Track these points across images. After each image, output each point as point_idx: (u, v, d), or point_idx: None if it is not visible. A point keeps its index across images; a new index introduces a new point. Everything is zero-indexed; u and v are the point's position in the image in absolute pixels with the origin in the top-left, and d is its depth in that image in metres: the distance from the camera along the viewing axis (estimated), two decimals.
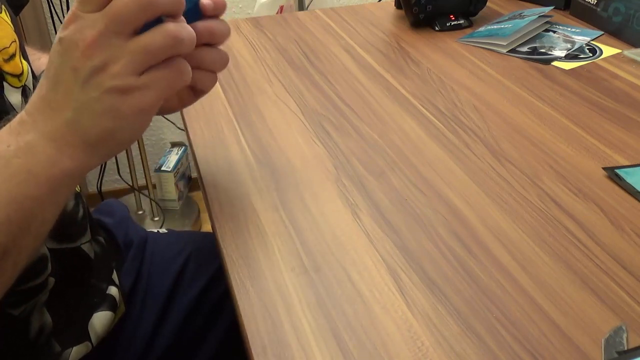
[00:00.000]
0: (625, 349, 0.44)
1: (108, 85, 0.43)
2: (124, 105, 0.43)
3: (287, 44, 0.98)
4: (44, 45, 1.74)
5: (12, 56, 0.55)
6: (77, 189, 0.65)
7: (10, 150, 0.43)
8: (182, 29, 0.44)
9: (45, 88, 0.45)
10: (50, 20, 1.73)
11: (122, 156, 1.96)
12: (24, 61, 0.58)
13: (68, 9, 1.72)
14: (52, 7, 1.71)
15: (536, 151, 0.69)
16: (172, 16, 0.45)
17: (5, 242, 0.43)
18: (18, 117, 0.45)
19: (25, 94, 0.57)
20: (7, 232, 0.43)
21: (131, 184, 1.94)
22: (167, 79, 0.44)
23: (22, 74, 0.57)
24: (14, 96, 0.55)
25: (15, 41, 0.56)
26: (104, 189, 1.97)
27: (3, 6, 0.57)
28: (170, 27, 0.43)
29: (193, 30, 0.45)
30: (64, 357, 0.59)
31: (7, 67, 0.55)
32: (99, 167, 1.91)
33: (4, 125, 0.45)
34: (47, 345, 0.58)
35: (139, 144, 1.91)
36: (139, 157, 1.93)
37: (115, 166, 1.99)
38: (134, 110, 0.44)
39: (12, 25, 0.57)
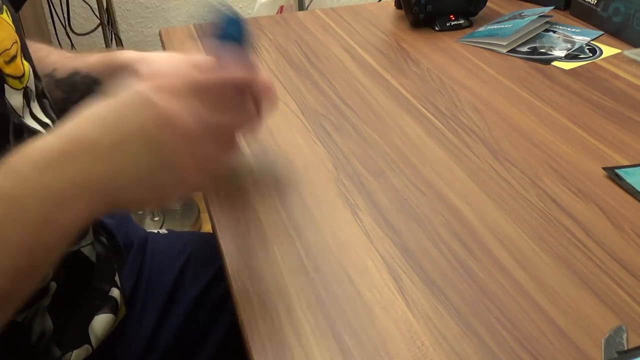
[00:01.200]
0: (625, 349, 0.45)
1: (171, 162, 0.43)
2: (169, 183, 0.44)
3: (287, 44, 0.98)
4: None
5: (14, 58, 0.54)
6: None
7: (30, 187, 0.40)
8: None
9: (97, 130, 0.43)
10: (50, 20, 1.73)
11: None
12: (25, 62, 0.57)
13: (68, 9, 1.72)
14: (52, 7, 1.71)
15: (536, 151, 0.69)
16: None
17: (10, 289, 0.41)
18: (58, 145, 0.41)
19: (27, 96, 0.56)
20: (13, 279, 0.41)
21: None
22: (214, 168, 0.48)
23: (23, 75, 0.56)
24: (15, 98, 0.54)
25: (16, 42, 0.56)
26: None
27: (4, 6, 0.56)
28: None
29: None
30: None
31: (8, 69, 0.54)
32: None
33: (39, 148, 0.42)
34: (47, 350, 0.58)
35: None
36: None
37: None
38: (174, 189, 0.45)
39: (13, 26, 0.57)
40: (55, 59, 0.69)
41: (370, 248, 0.55)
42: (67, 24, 1.75)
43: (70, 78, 0.69)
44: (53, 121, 0.60)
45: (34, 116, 0.57)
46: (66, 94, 0.63)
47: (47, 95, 0.61)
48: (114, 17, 1.77)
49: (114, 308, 0.65)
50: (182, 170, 0.45)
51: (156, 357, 0.71)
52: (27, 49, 0.59)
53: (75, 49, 1.84)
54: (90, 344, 0.61)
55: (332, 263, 0.53)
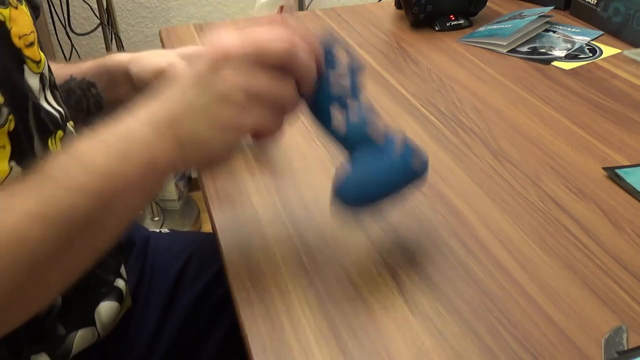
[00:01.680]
0: (625, 349, 0.45)
1: (221, 92, 0.47)
2: (224, 116, 0.47)
3: None
4: (45, 45, 1.74)
5: (32, 43, 0.58)
6: None
7: (116, 133, 0.47)
8: (305, 81, 0.49)
9: (163, 87, 0.49)
10: (50, 20, 1.73)
11: None
12: (41, 52, 0.61)
13: (68, 9, 1.72)
14: (52, 7, 1.71)
15: (536, 151, 0.69)
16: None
17: (91, 212, 0.45)
18: (125, 118, 0.48)
19: (43, 81, 0.60)
20: (95, 203, 0.45)
21: None
22: (267, 119, 0.48)
23: (40, 61, 0.60)
24: (32, 80, 0.58)
25: (34, 32, 0.59)
26: None
27: (24, 2, 0.60)
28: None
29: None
30: (68, 341, 0.59)
31: (28, 52, 0.57)
32: None
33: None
34: (53, 327, 0.58)
35: None
36: None
37: None
38: (230, 124, 0.47)
39: (31, 18, 0.60)
40: (53, 68, 0.71)
41: (370, 248, 0.55)
42: (67, 24, 1.75)
43: (66, 84, 0.72)
44: (64, 111, 0.63)
45: (47, 102, 0.60)
46: (64, 99, 0.65)
47: (58, 88, 0.64)
48: (114, 17, 1.77)
49: (119, 297, 0.65)
50: (229, 94, 0.47)
51: (158, 356, 0.71)
52: (42, 44, 0.61)
53: (75, 49, 1.84)
54: (95, 327, 0.62)
55: (332, 263, 0.53)
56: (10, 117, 0.52)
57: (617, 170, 0.64)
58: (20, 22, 0.58)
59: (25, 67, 0.57)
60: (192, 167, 0.50)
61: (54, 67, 0.72)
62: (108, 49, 1.79)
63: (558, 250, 0.54)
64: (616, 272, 0.52)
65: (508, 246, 0.55)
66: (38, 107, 0.58)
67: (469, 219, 0.58)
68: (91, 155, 0.46)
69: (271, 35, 0.48)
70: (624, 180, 0.63)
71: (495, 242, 0.55)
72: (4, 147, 0.52)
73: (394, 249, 0.55)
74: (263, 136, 0.50)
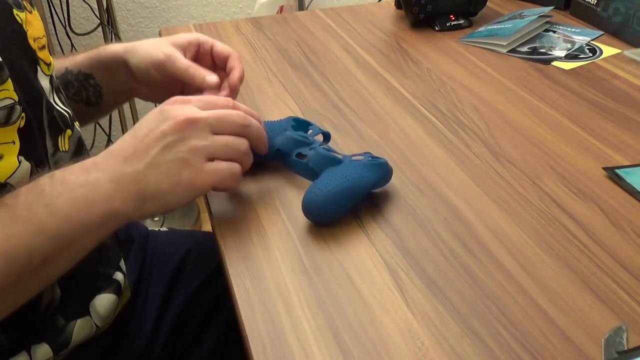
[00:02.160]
0: (625, 349, 0.45)
1: (183, 155, 0.53)
2: (185, 176, 0.53)
3: (287, 44, 0.98)
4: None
5: (44, 47, 0.62)
6: None
7: (79, 180, 0.52)
8: (260, 141, 0.59)
9: (127, 143, 0.54)
10: (50, 20, 1.73)
11: None
12: (50, 56, 0.63)
13: (68, 9, 1.72)
14: (52, 7, 1.71)
15: (536, 151, 0.69)
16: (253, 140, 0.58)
17: (48, 252, 0.50)
18: (91, 159, 0.54)
19: (52, 82, 0.62)
20: (53, 244, 0.50)
21: None
22: (223, 175, 0.55)
23: (50, 64, 0.62)
24: (44, 81, 0.61)
25: (45, 36, 0.63)
26: None
27: (35, 7, 0.63)
28: (246, 142, 0.57)
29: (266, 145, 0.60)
30: (67, 331, 0.60)
31: (41, 54, 0.61)
32: None
33: (76, 163, 0.54)
34: (53, 319, 0.59)
35: None
36: None
37: None
38: (189, 183, 0.53)
39: (42, 23, 0.63)
40: (83, 56, 0.75)
41: (370, 248, 0.55)
42: (67, 24, 1.75)
43: (63, 76, 0.74)
44: (70, 112, 0.64)
45: (55, 102, 0.62)
46: (62, 90, 0.66)
47: (62, 90, 0.66)
48: (114, 17, 1.77)
49: (117, 290, 0.66)
50: (192, 164, 0.53)
51: (157, 349, 0.71)
52: (53, 48, 0.64)
53: (75, 49, 1.84)
54: (91, 317, 0.62)
55: (332, 263, 0.53)
56: (22, 114, 0.54)
57: (617, 170, 0.64)
58: (35, 26, 0.60)
59: (39, 68, 0.60)
60: (148, 216, 0.55)
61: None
62: None
63: (558, 250, 0.54)
64: (616, 272, 0.52)
65: (508, 246, 0.55)
66: (50, 106, 0.60)
67: (469, 219, 0.58)
68: (55, 198, 0.50)
69: (229, 107, 0.57)
70: (624, 180, 0.63)
71: (495, 242, 0.55)
72: (13, 142, 0.54)
73: (394, 249, 0.55)
74: (222, 189, 0.58)
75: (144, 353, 0.71)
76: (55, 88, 0.63)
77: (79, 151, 0.64)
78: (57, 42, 1.80)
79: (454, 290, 0.50)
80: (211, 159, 0.54)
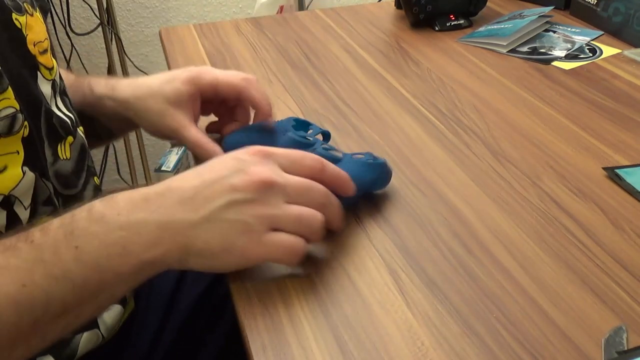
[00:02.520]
0: (625, 349, 0.44)
1: (246, 218, 0.46)
2: (240, 242, 0.46)
3: (287, 44, 0.98)
4: None
5: (45, 50, 0.59)
6: (96, 181, 0.66)
7: (120, 220, 0.45)
8: (336, 220, 0.51)
9: (189, 183, 0.48)
10: (51, 20, 1.73)
11: (122, 156, 1.96)
12: (53, 59, 0.61)
13: (68, 9, 1.72)
14: (52, 7, 1.71)
15: (536, 151, 0.69)
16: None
17: (69, 302, 0.44)
18: (144, 191, 0.47)
19: (54, 87, 0.60)
20: (77, 294, 0.44)
21: (131, 184, 1.94)
22: (284, 251, 0.48)
23: (52, 68, 0.60)
24: (45, 87, 0.58)
25: (47, 39, 0.60)
26: (104, 188, 1.96)
27: (38, 8, 0.61)
28: (322, 218, 0.49)
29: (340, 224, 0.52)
30: (74, 343, 0.60)
31: (42, 59, 0.58)
32: (99, 166, 1.91)
33: (126, 192, 0.47)
34: None
35: (138, 144, 1.92)
36: (139, 157, 1.93)
37: (115, 166, 1.99)
38: (242, 251, 0.47)
39: (45, 25, 0.61)
40: (111, 83, 0.71)
41: (370, 248, 0.55)
42: (67, 23, 1.75)
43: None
44: (74, 117, 0.63)
45: (58, 108, 0.61)
46: None
47: (67, 94, 0.64)
48: (114, 17, 1.77)
49: (122, 301, 0.65)
50: (253, 231, 0.47)
51: (160, 356, 0.71)
52: (54, 51, 0.62)
53: (75, 49, 1.84)
54: (99, 329, 0.62)
55: (332, 263, 0.53)
56: (25, 123, 0.53)
57: (617, 170, 0.64)
58: (36, 29, 0.58)
59: (39, 74, 0.58)
60: (188, 269, 0.49)
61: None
62: (108, 49, 1.79)
63: (558, 250, 0.54)
64: (616, 272, 0.52)
65: (508, 246, 0.55)
66: (50, 113, 0.58)
67: (469, 219, 0.58)
68: (87, 240, 0.44)
69: (316, 172, 0.51)
70: (624, 180, 0.63)
71: (495, 242, 0.55)
72: (17, 152, 0.52)
73: (394, 248, 0.55)
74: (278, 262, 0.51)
75: (148, 358, 0.71)
76: (60, 91, 0.62)
77: (82, 158, 0.63)
78: (57, 42, 1.80)
79: (454, 290, 0.50)
80: (276, 229, 0.48)
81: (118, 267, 0.45)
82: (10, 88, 0.51)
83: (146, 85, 0.66)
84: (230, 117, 0.69)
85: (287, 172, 0.50)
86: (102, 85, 0.69)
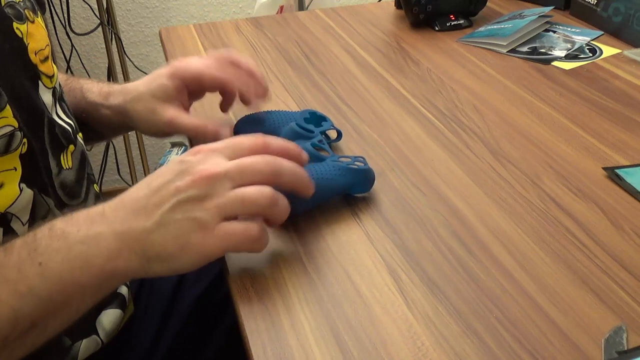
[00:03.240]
0: (625, 349, 0.45)
1: (194, 215, 0.46)
2: (194, 239, 0.47)
3: (287, 44, 0.98)
4: None
5: (46, 58, 0.59)
6: (95, 188, 0.66)
7: (79, 235, 0.46)
8: (280, 197, 0.49)
9: (140, 193, 0.48)
10: (51, 20, 1.73)
11: (122, 156, 1.96)
12: (53, 65, 0.61)
13: (68, 9, 1.72)
14: (52, 7, 1.71)
15: (536, 151, 0.69)
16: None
17: (36, 317, 0.45)
18: (100, 207, 0.48)
19: (55, 95, 0.60)
20: (43, 308, 0.45)
21: (131, 184, 1.94)
22: (239, 237, 0.48)
23: (53, 75, 0.60)
24: (46, 95, 0.58)
25: (48, 45, 0.60)
26: (104, 188, 1.97)
27: (39, 12, 0.61)
28: (270, 191, 0.48)
29: (287, 202, 0.50)
30: (73, 351, 0.60)
31: (43, 68, 0.58)
32: (99, 166, 1.91)
33: (84, 210, 0.49)
34: (58, 340, 0.59)
35: (139, 144, 1.92)
36: (139, 157, 1.93)
37: (115, 166, 1.99)
38: (197, 248, 0.47)
39: (46, 30, 0.61)
40: (108, 89, 0.72)
41: (370, 248, 0.55)
42: (67, 23, 1.75)
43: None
44: (73, 123, 0.63)
45: (58, 116, 0.61)
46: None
47: (65, 99, 0.64)
48: (114, 17, 1.77)
49: (122, 304, 0.65)
50: (204, 226, 0.47)
51: (159, 358, 0.71)
52: (54, 54, 0.62)
53: (75, 49, 1.84)
54: (98, 335, 0.62)
55: (332, 263, 0.53)
56: (24, 140, 0.53)
57: (617, 170, 0.64)
58: (37, 37, 0.58)
59: (40, 83, 0.58)
60: (155, 276, 0.49)
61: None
62: (108, 49, 1.79)
63: (558, 250, 0.54)
64: (616, 272, 0.52)
65: (508, 246, 0.55)
66: (52, 123, 0.58)
67: (469, 219, 0.58)
68: (50, 257, 0.46)
69: (255, 157, 0.49)
70: (624, 180, 0.63)
71: (495, 242, 0.55)
72: (15, 169, 0.52)
73: (394, 249, 0.55)
74: (244, 251, 0.51)
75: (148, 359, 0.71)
76: (58, 98, 0.62)
77: (82, 166, 0.63)
78: (57, 42, 1.80)
79: (454, 290, 0.50)
80: (228, 218, 0.48)
81: (81, 279, 0.46)
82: (8, 106, 0.50)
83: (135, 89, 0.67)
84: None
85: (233, 159, 0.50)
86: (96, 93, 0.70)
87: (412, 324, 0.47)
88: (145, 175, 1.94)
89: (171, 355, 0.72)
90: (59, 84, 0.63)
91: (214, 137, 0.60)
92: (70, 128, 0.61)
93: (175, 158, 0.51)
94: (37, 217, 0.55)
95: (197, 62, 0.66)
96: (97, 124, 0.71)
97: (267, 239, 0.50)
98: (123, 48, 1.83)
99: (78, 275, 0.46)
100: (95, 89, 0.70)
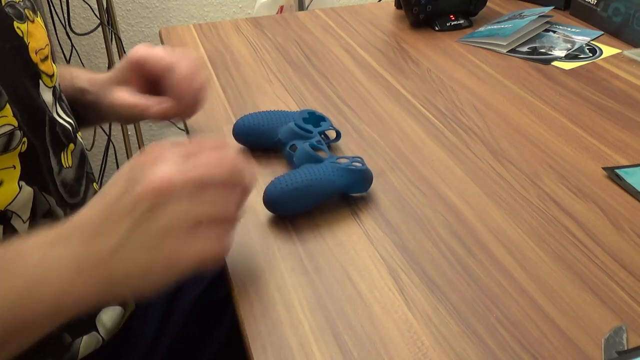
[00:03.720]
0: (625, 349, 0.45)
1: (163, 223, 0.43)
2: (165, 249, 0.43)
3: (287, 44, 0.98)
4: None
5: (47, 57, 0.59)
6: (95, 187, 0.66)
7: (33, 260, 0.43)
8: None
9: (97, 209, 0.45)
10: (50, 20, 1.73)
11: (122, 156, 1.96)
12: (53, 64, 0.62)
13: (68, 8, 1.72)
14: (52, 7, 1.71)
15: (536, 151, 0.69)
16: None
17: None
18: (57, 229, 0.45)
19: (55, 94, 0.60)
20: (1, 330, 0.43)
21: None
22: (208, 254, 0.45)
23: (53, 75, 0.60)
24: (46, 95, 0.58)
25: (48, 45, 0.60)
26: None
27: (38, 12, 0.61)
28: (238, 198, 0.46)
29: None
30: (74, 348, 0.60)
31: (43, 67, 0.58)
32: (99, 166, 1.91)
33: (39, 233, 0.45)
34: (59, 336, 0.59)
35: (139, 144, 1.92)
36: None
37: (115, 166, 1.99)
38: (172, 257, 0.43)
39: (45, 30, 0.61)
40: (78, 74, 0.73)
41: (370, 248, 0.55)
42: (67, 23, 1.75)
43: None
44: (72, 121, 0.63)
45: (59, 115, 0.61)
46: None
47: (64, 98, 0.64)
48: (114, 17, 1.77)
49: (123, 302, 0.65)
50: (174, 234, 0.44)
51: (160, 356, 0.71)
52: (54, 53, 0.62)
53: (75, 49, 1.84)
54: (98, 332, 0.62)
55: (332, 263, 0.53)
56: (24, 139, 0.53)
57: (617, 170, 0.64)
58: (37, 36, 0.58)
59: (41, 82, 0.58)
60: (122, 301, 0.47)
61: None
62: (108, 49, 1.79)
63: (558, 250, 0.54)
64: (616, 272, 0.52)
65: (508, 246, 0.55)
66: (53, 122, 0.58)
67: (469, 218, 0.58)
68: (3, 281, 0.43)
69: (211, 161, 0.46)
70: (624, 180, 0.63)
71: (495, 242, 0.55)
72: (14, 167, 0.52)
73: (394, 248, 0.55)
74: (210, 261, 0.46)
75: (148, 359, 0.71)
76: (58, 98, 0.62)
77: (82, 165, 0.63)
78: (57, 42, 1.80)
79: (454, 290, 0.50)
80: (196, 223, 0.44)
81: (34, 307, 0.43)
82: (8, 105, 0.50)
83: (104, 76, 0.70)
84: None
85: (189, 154, 0.46)
86: (84, 80, 0.72)
87: (412, 324, 0.47)
88: None
89: (171, 354, 0.72)
90: (59, 84, 0.63)
91: (158, 115, 0.63)
92: (70, 127, 0.62)
93: (123, 166, 0.47)
94: (37, 214, 0.55)
95: (148, 46, 0.69)
96: (82, 109, 0.71)
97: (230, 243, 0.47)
98: (123, 48, 1.83)
99: (31, 301, 0.43)
100: (84, 76, 0.72)
